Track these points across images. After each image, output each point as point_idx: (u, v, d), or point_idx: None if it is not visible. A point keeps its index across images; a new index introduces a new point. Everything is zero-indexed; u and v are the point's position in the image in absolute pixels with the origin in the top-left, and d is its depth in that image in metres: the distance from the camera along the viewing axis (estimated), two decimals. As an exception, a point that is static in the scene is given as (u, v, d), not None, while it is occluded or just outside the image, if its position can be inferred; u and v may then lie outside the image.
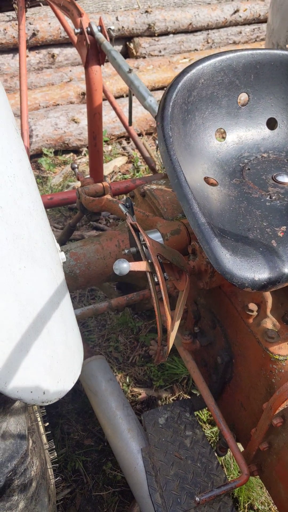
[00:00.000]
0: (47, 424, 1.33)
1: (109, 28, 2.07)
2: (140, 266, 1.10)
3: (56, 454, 1.50)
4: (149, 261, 1.12)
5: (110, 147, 3.85)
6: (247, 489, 1.90)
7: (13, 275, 0.73)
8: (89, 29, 2.04)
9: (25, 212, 0.82)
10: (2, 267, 0.70)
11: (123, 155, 3.80)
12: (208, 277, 1.30)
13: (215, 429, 2.09)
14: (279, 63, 1.34)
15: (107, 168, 3.58)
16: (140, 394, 2.21)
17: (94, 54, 2.09)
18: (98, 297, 2.63)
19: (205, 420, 2.13)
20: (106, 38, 2.04)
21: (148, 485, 1.40)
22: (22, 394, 0.74)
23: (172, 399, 2.20)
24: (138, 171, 3.60)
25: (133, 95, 1.96)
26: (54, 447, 1.37)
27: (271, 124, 1.39)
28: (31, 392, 0.75)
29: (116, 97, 4.01)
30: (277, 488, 1.30)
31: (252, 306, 1.27)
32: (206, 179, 1.23)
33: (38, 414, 1.20)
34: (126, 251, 1.22)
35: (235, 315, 1.33)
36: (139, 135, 3.92)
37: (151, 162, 2.73)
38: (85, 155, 3.76)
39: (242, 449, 1.55)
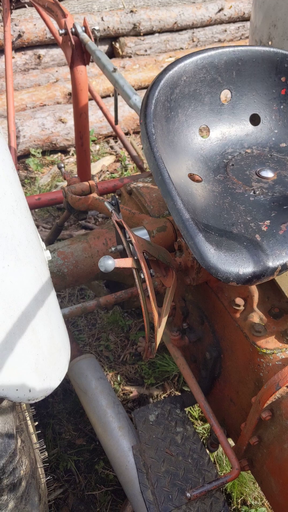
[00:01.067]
0: (37, 423, 1.33)
1: (94, 29, 2.08)
2: (126, 262, 1.10)
3: (47, 454, 1.49)
4: (135, 258, 1.12)
5: (97, 147, 3.85)
6: (239, 485, 1.91)
7: (-4, 273, 0.73)
8: (73, 30, 2.04)
9: (8, 211, 0.82)
10: (-15, 265, 0.71)
11: (110, 154, 3.80)
12: (194, 273, 1.31)
13: (206, 425, 2.10)
14: (261, 59, 1.35)
15: (95, 168, 3.58)
16: (131, 392, 2.22)
17: (79, 55, 2.09)
18: (88, 296, 2.63)
19: (196, 416, 2.14)
20: (90, 38, 2.04)
21: (139, 483, 1.40)
22: (8, 392, 0.74)
23: (163, 397, 2.21)
24: (126, 170, 3.61)
25: (119, 94, 1.96)
26: (44, 446, 1.36)
27: (254, 120, 1.40)
28: (17, 390, 0.75)
29: (103, 97, 4.01)
30: (268, 482, 1.31)
31: (239, 301, 1.28)
32: (191, 176, 1.23)
33: (27, 413, 1.20)
34: (113, 248, 1.23)
35: (222, 310, 1.33)
36: (126, 134, 3.92)
37: (138, 160, 2.74)
38: (73, 154, 3.75)
39: (232, 444, 1.56)
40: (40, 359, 0.82)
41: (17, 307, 0.77)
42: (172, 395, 2.22)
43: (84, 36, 2.05)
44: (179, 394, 2.22)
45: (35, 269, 0.88)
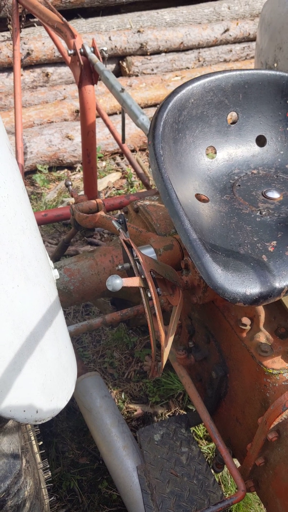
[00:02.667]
0: (41, 443, 1.32)
1: (102, 49, 2.11)
2: (133, 282, 1.11)
3: (50, 473, 1.48)
4: (142, 276, 1.13)
5: (104, 163, 3.89)
6: (245, 506, 1.89)
7: (6, 294, 0.73)
8: (82, 50, 2.07)
9: (19, 231, 0.83)
10: (-5, 286, 0.71)
11: (117, 171, 3.83)
12: (201, 292, 1.32)
13: (211, 445, 2.08)
14: (267, 82, 1.37)
15: (101, 184, 3.61)
16: (135, 410, 2.20)
17: (88, 74, 2.13)
18: (93, 313, 2.63)
19: (201, 436, 2.12)
20: (99, 58, 2.07)
21: (144, 504, 1.38)
22: (15, 414, 0.74)
23: (168, 415, 2.19)
24: (132, 187, 3.63)
25: (126, 113, 1.99)
26: (48, 466, 1.36)
27: (261, 141, 1.41)
28: (24, 411, 0.75)
29: (110, 114, 4.06)
30: (274, 504, 1.29)
31: (245, 320, 1.28)
32: (197, 196, 1.25)
33: (31, 433, 1.20)
34: (119, 266, 1.23)
35: (229, 329, 1.33)
36: (133, 151, 3.96)
37: (144, 178, 2.76)
38: (79, 171, 3.79)
39: (238, 464, 1.55)
40: (48, 380, 0.83)
41: (26, 328, 0.78)
42: (177, 413, 2.20)
43: (92, 56, 2.09)
44: (184, 413, 2.20)
45: (43, 288, 0.89)
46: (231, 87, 1.34)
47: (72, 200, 3.36)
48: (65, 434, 2.08)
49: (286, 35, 2.10)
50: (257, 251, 1.10)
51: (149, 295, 1.11)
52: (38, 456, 1.33)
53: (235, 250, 1.10)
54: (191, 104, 1.27)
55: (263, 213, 1.21)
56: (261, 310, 1.31)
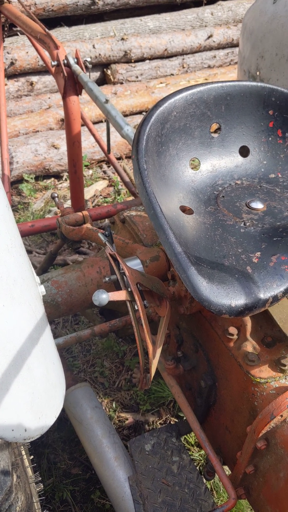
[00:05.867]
0: (32, 457, 1.32)
1: (86, 60, 2.13)
2: (120, 295, 1.12)
3: (42, 486, 1.48)
4: (129, 290, 1.14)
5: (90, 171, 3.90)
6: (237, 511, 1.90)
7: (-8, 314, 0.74)
8: (65, 61, 2.09)
9: (3, 250, 0.83)
10: (-19, 307, 0.72)
11: (103, 179, 3.84)
12: (188, 302, 1.33)
13: (202, 452, 2.09)
14: (249, 93, 1.39)
15: (88, 192, 3.62)
16: (127, 419, 2.21)
17: (72, 85, 2.14)
18: (82, 322, 2.63)
19: (193, 443, 2.13)
20: (82, 69, 2.09)
21: (136, 514, 1.39)
22: (4, 433, 0.74)
23: (159, 423, 2.20)
24: (119, 194, 3.65)
25: (111, 124, 2.00)
26: (40, 479, 1.35)
27: (244, 152, 1.43)
28: (13, 430, 0.76)
29: (95, 123, 4.07)
30: (265, 511, 1.30)
31: (232, 330, 1.30)
32: (182, 208, 1.26)
33: (22, 447, 1.20)
34: (106, 279, 1.24)
35: (216, 339, 1.35)
36: (119, 159, 3.97)
37: (131, 186, 2.77)
38: (66, 180, 3.79)
39: (229, 472, 1.56)
40: (36, 397, 0.83)
41: (12, 347, 0.78)
42: (168, 421, 2.21)
43: (76, 67, 2.10)
44: (175, 420, 2.21)
45: (29, 306, 0.89)
46: (213, 99, 1.35)
47: (59, 211, 3.36)
48: (56, 445, 2.07)
49: (268, 44, 2.13)
50: (242, 263, 1.11)
51: (136, 308, 1.12)
52: (29, 470, 1.32)
53: (220, 262, 1.11)
54: (174, 117, 1.29)
55: (247, 224, 1.23)
56: (247, 319, 1.32)
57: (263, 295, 1.05)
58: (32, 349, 0.84)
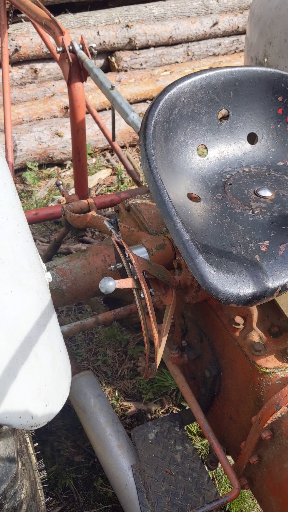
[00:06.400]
0: (36, 444, 1.32)
1: (91, 46, 2.09)
2: (126, 283, 1.11)
3: (46, 473, 1.48)
4: (135, 277, 1.12)
5: (94, 160, 3.87)
6: (238, 501, 1.90)
7: (-1, 300, 0.73)
8: (71, 48, 2.05)
9: (11, 236, 0.82)
10: (-12, 293, 0.71)
11: (107, 167, 3.82)
12: (194, 291, 1.32)
13: (205, 441, 2.09)
14: (258, 79, 1.37)
15: (92, 181, 3.59)
16: (129, 408, 2.21)
17: (77, 72, 2.11)
18: (85, 311, 2.63)
19: (195, 432, 2.13)
20: (88, 56, 2.06)
21: (139, 502, 1.39)
22: (11, 420, 0.73)
23: (161, 412, 2.20)
24: (122, 183, 3.62)
25: (116, 111, 1.98)
26: (44, 466, 1.35)
27: (252, 138, 1.41)
28: (20, 417, 0.75)
29: (99, 110, 4.04)
30: (268, 501, 1.30)
31: (238, 320, 1.29)
32: (189, 195, 1.24)
33: (27, 435, 1.20)
34: (112, 267, 1.23)
35: (222, 328, 1.34)
36: (123, 147, 3.94)
37: (135, 175, 2.75)
38: (69, 168, 3.76)
39: (232, 462, 1.56)
40: (43, 385, 0.82)
41: (20, 334, 0.77)
42: (171, 410, 2.21)
43: (81, 54, 2.07)
44: (178, 410, 2.21)
45: (36, 293, 0.88)
46: (221, 85, 1.33)
47: (62, 197, 3.35)
48: (60, 433, 2.08)
49: (277, 30, 2.10)
50: (250, 251, 1.10)
51: (142, 296, 1.11)
52: (33, 457, 1.32)
53: (228, 250, 1.10)
54: (182, 103, 1.26)
55: (255, 212, 1.21)
56: (254, 309, 1.31)
57: (271, 284, 1.03)
58: (39, 336, 0.83)
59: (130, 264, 1.14)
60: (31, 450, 1.31)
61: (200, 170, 1.33)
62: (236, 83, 1.35)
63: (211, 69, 1.32)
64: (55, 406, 0.86)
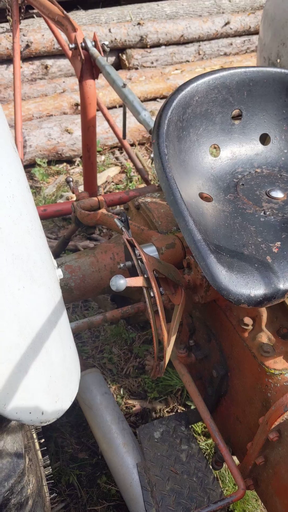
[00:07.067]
0: (43, 440, 1.32)
1: (103, 43, 2.09)
2: (137, 281, 1.11)
3: (51, 469, 1.49)
4: (145, 276, 1.12)
5: (103, 157, 3.87)
6: (242, 502, 1.90)
7: (12, 296, 0.73)
8: (83, 44, 2.05)
9: (24, 232, 0.82)
10: (2, 288, 0.71)
11: (116, 165, 3.82)
12: (203, 291, 1.31)
13: (210, 441, 2.09)
14: (272, 80, 1.36)
15: (100, 178, 3.59)
16: (134, 406, 2.21)
17: (88, 69, 2.11)
18: (92, 308, 2.63)
19: (199, 432, 2.13)
20: (100, 53, 2.05)
21: (144, 501, 1.39)
22: (21, 415, 0.74)
23: (166, 411, 2.20)
24: (131, 181, 3.62)
25: (128, 109, 1.97)
26: (49, 462, 1.36)
27: (264, 139, 1.40)
28: (30, 413, 0.75)
29: (109, 108, 4.03)
30: (273, 502, 1.30)
31: (247, 320, 1.28)
32: (201, 195, 1.24)
33: (34, 430, 1.20)
34: (121, 265, 1.23)
35: (230, 329, 1.33)
36: (132, 145, 3.94)
37: (144, 173, 2.75)
38: (78, 165, 3.77)
39: (237, 462, 1.55)
40: (53, 381, 0.82)
41: (32, 330, 0.77)
42: (176, 409, 2.21)
43: (94, 51, 2.07)
44: (183, 409, 2.21)
45: (48, 289, 0.88)
46: (235, 85, 1.33)
47: (72, 195, 3.35)
48: (64, 429, 2.08)
49: (289, 31, 2.08)
50: (261, 252, 1.09)
51: (151, 295, 1.11)
52: (39, 453, 1.33)
53: (239, 251, 1.09)
54: (196, 102, 1.26)
55: (267, 213, 1.21)
56: (263, 310, 1.31)
57: (282, 285, 1.03)
58: (50, 333, 0.83)
59: (140, 262, 1.14)
60: (37, 446, 1.31)
61: (212, 170, 1.32)
62: (250, 83, 1.35)
63: (224, 68, 1.31)
64: (64, 402, 0.87)
